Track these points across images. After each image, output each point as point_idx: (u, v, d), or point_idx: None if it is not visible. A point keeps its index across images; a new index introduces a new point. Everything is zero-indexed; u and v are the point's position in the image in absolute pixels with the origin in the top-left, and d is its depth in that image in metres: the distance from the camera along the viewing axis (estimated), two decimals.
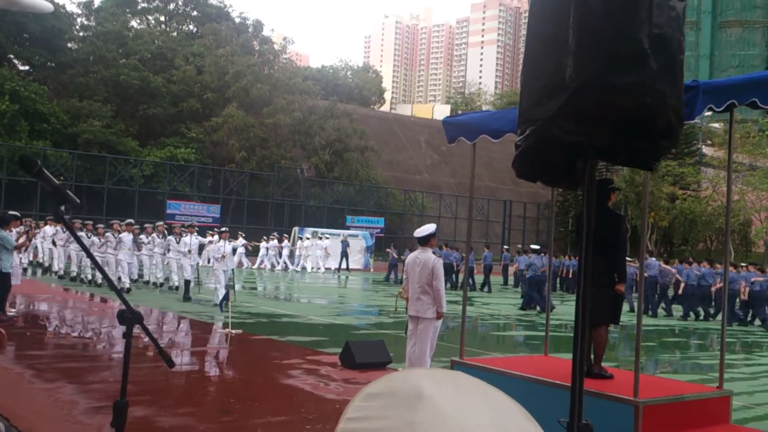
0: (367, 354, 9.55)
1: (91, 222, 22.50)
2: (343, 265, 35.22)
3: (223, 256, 16.09)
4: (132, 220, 20.62)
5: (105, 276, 2.74)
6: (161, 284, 20.34)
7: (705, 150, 57.12)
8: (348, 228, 44.63)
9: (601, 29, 2.18)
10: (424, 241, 8.51)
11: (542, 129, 2.23)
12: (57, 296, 17.61)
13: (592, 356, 6.62)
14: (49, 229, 25.07)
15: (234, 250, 17.37)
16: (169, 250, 19.54)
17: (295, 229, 40.46)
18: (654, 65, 2.18)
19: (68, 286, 19.73)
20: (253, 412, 7.13)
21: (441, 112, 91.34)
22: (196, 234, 18.96)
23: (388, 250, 34.09)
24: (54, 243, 23.50)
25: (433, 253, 8.50)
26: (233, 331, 12.17)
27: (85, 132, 44.43)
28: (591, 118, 2.16)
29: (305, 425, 6.73)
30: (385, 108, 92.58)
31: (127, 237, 18.92)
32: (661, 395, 5.82)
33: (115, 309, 16.05)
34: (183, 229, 19.99)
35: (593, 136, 2.16)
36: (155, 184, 45.24)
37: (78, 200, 2.54)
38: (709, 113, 5.62)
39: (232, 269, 16.46)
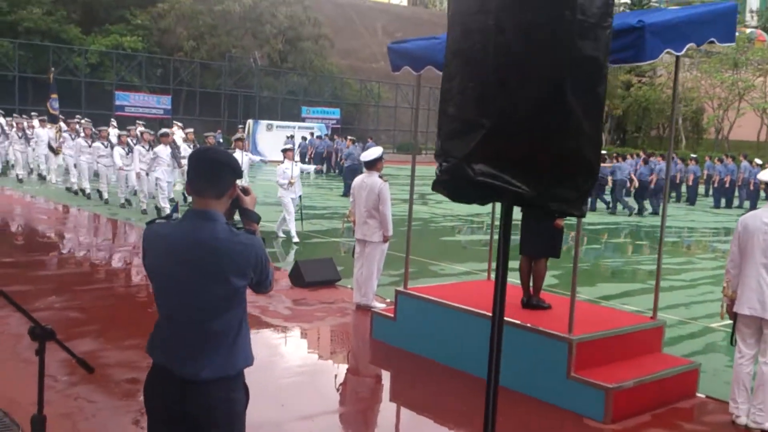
0: (317, 273, 9.64)
1: (104, 128, 19.50)
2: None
3: (291, 183, 13.17)
4: (168, 130, 17.20)
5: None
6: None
7: None
8: (303, 120, 43.97)
9: (522, 65, 2.06)
10: (371, 165, 8.45)
11: (457, 168, 2.16)
12: (5, 201, 17.19)
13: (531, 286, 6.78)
14: (41, 132, 22.12)
15: (301, 172, 14.15)
16: None
17: (250, 121, 39.75)
18: (577, 107, 2.08)
19: (68, 202, 17.79)
20: None
21: None
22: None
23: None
24: (51, 149, 20.62)
25: (380, 177, 8.44)
26: None
27: (25, 20, 42.12)
28: (508, 161, 2.08)
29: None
30: None
31: (164, 151, 15.64)
32: (595, 330, 6.01)
33: (81, 218, 15.79)
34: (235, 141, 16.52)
35: (510, 180, 2.09)
36: (102, 74, 43.53)
37: None
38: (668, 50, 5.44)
39: (300, 196, 13.75)
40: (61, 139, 20.04)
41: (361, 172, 9.06)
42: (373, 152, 8.58)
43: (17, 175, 22.26)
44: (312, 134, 34.98)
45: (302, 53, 50.73)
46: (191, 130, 17.11)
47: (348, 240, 11.57)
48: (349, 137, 26.13)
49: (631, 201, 22.39)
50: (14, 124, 23.87)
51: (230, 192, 2.86)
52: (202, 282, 2.71)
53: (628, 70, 48.99)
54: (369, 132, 43.57)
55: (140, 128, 19.40)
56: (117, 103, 41.83)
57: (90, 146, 18.36)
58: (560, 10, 2.06)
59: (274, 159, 35.94)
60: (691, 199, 26.53)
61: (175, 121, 24.70)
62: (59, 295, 8.70)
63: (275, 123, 40.09)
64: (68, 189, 19.68)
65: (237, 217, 3.00)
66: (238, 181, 2.93)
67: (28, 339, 2.86)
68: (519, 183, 2.07)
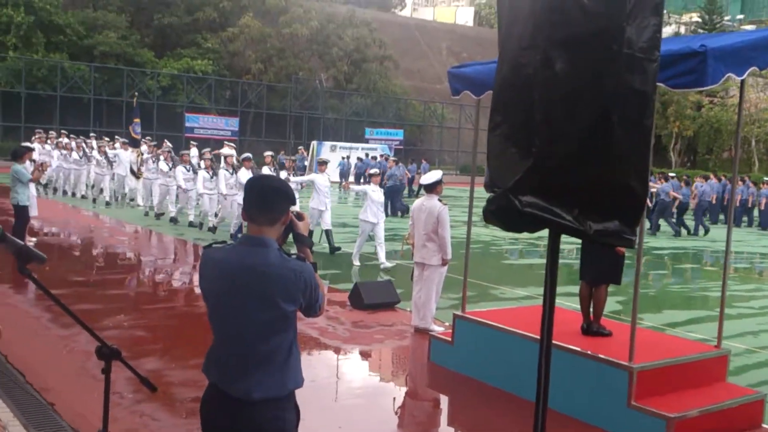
0: (376, 295, 9.69)
1: (185, 152, 18.88)
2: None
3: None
4: (249, 155, 16.08)
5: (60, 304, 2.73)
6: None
7: None
8: (367, 141, 44.40)
9: (568, 99, 2.08)
10: (431, 188, 8.49)
11: (504, 198, 2.18)
12: (81, 223, 17.84)
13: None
14: (124, 155, 21.43)
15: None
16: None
17: (314, 143, 40.34)
18: (624, 140, 2.09)
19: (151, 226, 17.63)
20: None
21: (464, 15, 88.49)
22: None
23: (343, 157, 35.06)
24: (133, 173, 20.26)
25: (439, 200, 8.48)
26: None
27: (101, 44, 43.98)
28: (554, 193, 2.10)
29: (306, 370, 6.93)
30: (407, 12, 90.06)
31: (245, 175, 14.70)
32: (657, 358, 5.88)
33: (143, 237, 16.30)
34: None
35: (557, 212, 2.11)
36: (173, 96, 44.98)
37: (44, 256, 2.57)
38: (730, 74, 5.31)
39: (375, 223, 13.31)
40: (143, 163, 19.81)
41: (412, 193, 9.13)
42: (433, 175, 8.63)
43: (94, 198, 22.08)
44: (367, 155, 35.33)
45: (367, 75, 51.33)
46: (270, 153, 17.00)
47: (407, 263, 11.57)
48: (391, 158, 26.36)
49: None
50: (95, 146, 23.82)
51: (284, 219, 2.93)
52: (253, 306, 2.80)
53: (698, 90, 47.74)
54: (433, 153, 43.69)
55: (225, 149, 19.03)
56: (187, 124, 43.14)
57: (171, 169, 17.92)
58: (608, 44, 2.08)
59: (333, 180, 36.63)
60: (764, 224, 25.58)
61: (226, 142, 24.95)
62: (127, 314, 8.98)
63: (339, 144, 40.58)
64: (158, 215, 18.87)
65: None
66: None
67: (96, 357, 2.96)
68: (565, 215, 2.09)
